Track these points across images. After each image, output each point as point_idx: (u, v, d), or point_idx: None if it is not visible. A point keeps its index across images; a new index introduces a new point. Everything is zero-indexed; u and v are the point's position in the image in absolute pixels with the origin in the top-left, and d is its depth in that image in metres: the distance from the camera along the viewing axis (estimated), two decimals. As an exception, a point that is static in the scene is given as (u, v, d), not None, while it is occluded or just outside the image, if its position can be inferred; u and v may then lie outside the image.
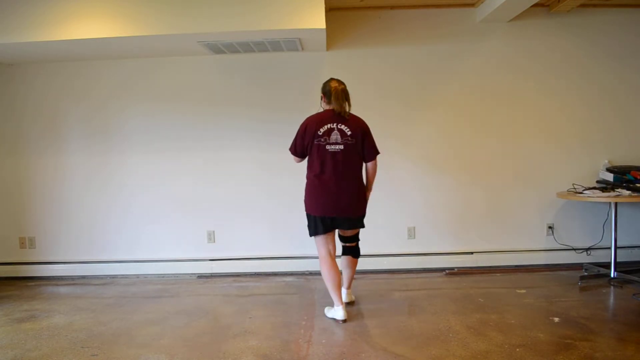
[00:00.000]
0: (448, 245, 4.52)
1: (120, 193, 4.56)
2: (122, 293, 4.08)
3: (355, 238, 3.49)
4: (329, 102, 3.26)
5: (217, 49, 4.20)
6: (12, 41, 3.73)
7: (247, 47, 4.19)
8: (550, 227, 4.51)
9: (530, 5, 3.92)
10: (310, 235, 3.33)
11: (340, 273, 3.32)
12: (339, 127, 3.20)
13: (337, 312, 3.22)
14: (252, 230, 4.55)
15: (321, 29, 3.69)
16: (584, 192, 4.04)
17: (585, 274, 4.17)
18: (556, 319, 3.14)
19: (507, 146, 4.48)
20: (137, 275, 4.56)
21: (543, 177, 4.47)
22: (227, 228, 4.54)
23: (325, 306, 3.46)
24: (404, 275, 4.36)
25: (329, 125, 3.20)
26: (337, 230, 3.42)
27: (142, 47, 4.11)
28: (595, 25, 4.42)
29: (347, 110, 3.24)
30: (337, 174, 3.19)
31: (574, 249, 4.50)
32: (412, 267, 4.49)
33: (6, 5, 3.70)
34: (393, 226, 4.52)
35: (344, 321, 3.20)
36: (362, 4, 4.30)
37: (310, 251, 4.42)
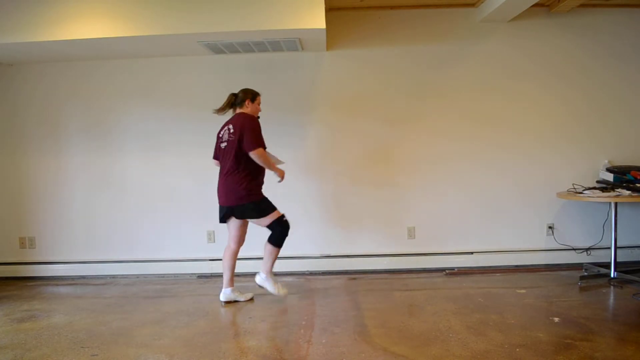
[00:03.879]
0: (448, 245, 4.52)
1: (121, 193, 4.56)
2: (122, 293, 4.08)
3: (269, 227, 3.59)
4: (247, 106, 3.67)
5: (217, 49, 4.20)
6: (12, 41, 3.73)
7: (247, 47, 4.19)
8: (550, 227, 4.51)
9: (530, 5, 3.92)
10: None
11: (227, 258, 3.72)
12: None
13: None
14: (252, 230, 4.53)
15: (321, 29, 3.69)
16: (584, 192, 4.04)
17: (585, 274, 4.17)
18: (556, 319, 3.14)
19: (507, 146, 4.48)
20: (137, 275, 4.55)
21: (543, 177, 4.47)
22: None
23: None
24: (404, 275, 4.36)
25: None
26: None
27: (142, 47, 4.11)
28: (595, 25, 4.42)
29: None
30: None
31: (574, 249, 4.50)
32: (412, 267, 4.49)
33: (6, 5, 3.70)
34: (393, 226, 4.52)
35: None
36: (362, 4, 4.30)
37: (310, 251, 4.43)
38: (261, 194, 3.62)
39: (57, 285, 4.41)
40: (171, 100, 4.50)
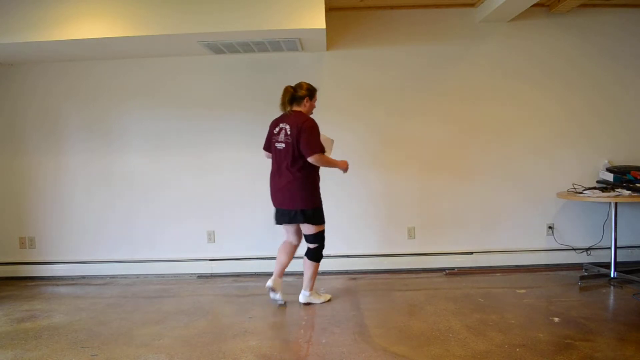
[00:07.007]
0: (448, 245, 4.52)
1: (120, 193, 4.56)
2: (122, 293, 4.08)
3: (310, 239, 3.53)
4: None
5: (217, 49, 4.20)
6: (12, 41, 3.72)
7: (247, 47, 4.19)
8: (550, 227, 4.51)
9: (530, 5, 3.91)
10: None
11: (283, 259, 3.62)
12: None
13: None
14: (252, 230, 4.54)
15: (321, 29, 3.69)
16: (584, 192, 4.05)
17: (585, 274, 4.17)
18: (556, 319, 3.14)
19: (507, 146, 4.47)
20: (137, 275, 4.55)
21: (543, 177, 4.47)
22: (227, 228, 4.54)
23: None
24: (404, 275, 4.36)
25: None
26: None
27: (142, 47, 4.10)
28: (595, 25, 4.42)
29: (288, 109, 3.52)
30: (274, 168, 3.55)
31: (574, 249, 4.50)
32: (412, 267, 4.49)
33: (6, 5, 3.70)
34: (393, 226, 4.52)
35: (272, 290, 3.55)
36: (362, 4, 4.30)
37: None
38: (321, 200, 3.54)
39: (57, 285, 4.41)
40: (171, 100, 4.50)
